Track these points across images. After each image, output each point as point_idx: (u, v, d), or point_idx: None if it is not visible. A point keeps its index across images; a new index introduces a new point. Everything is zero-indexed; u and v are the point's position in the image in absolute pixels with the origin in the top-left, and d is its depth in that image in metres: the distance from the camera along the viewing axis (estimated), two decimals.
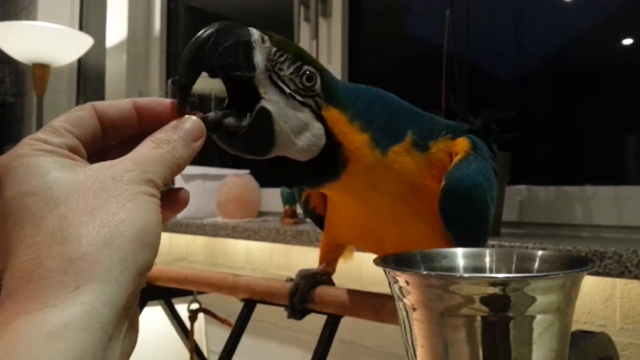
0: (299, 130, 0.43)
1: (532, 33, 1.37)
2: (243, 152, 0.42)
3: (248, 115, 0.41)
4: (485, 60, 1.44)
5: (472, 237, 0.54)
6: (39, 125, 2.15)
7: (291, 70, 0.43)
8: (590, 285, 0.95)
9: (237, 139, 0.41)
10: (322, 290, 0.64)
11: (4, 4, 3.30)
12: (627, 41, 1.23)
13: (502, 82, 1.47)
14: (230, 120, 0.40)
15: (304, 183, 0.50)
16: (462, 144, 0.53)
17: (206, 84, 2.03)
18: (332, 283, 0.67)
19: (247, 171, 1.70)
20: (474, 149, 0.53)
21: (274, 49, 0.42)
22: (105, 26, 2.59)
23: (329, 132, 0.45)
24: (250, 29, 0.41)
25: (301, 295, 0.63)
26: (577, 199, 1.16)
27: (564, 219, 1.17)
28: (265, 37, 0.42)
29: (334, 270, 0.68)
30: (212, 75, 0.40)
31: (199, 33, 0.39)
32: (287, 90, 0.43)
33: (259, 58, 0.41)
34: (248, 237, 1.38)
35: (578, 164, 1.28)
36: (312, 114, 0.44)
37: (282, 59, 0.42)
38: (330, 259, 0.68)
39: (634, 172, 1.21)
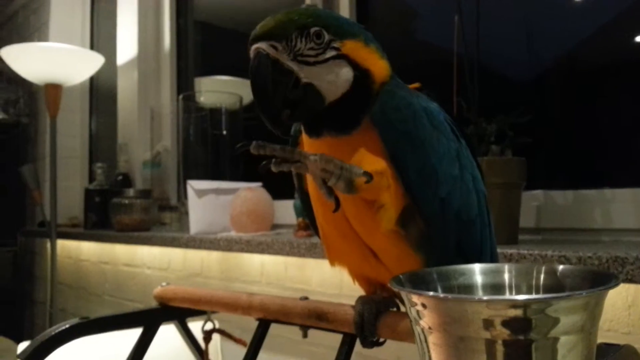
0: (333, 77, 0.52)
1: (543, 34, 1.35)
2: (307, 113, 0.53)
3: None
4: (496, 63, 1.42)
5: (419, 175, 0.53)
6: (53, 145, 2.17)
7: (303, 42, 0.51)
8: (612, 292, 0.92)
9: (300, 108, 0.51)
10: (387, 319, 0.59)
11: (17, 26, 3.36)
12: (639, 38, 1.21)
13: (515, 85, 1.45)
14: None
15: (341, 121, 0.54)
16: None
17: (216, 99, 2.04)
18: (397, 305, 0.63)
19: (260, 184, 1.70)
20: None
21: (286, 45, 0.51)
22: (115, 44, 2.61)
23: (353, 64, 0.53)
24: (268, 55, 0.50)
25: (369, 325, 0.59)
26: (596, 203, 1.13)
27: (582, 223, 1.15)
28: (277, 45, 0.50)
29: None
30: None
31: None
32: (312, 60, 0.51)
33: (288, 64, 0.51)
34: (262, 251, 1.37)
35: (595, 166, 1.26)
36: (336, 58, 0.52)
37: (294, 42, 0.51)
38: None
39: None
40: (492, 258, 0.60)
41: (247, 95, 2.21)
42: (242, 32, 2.43)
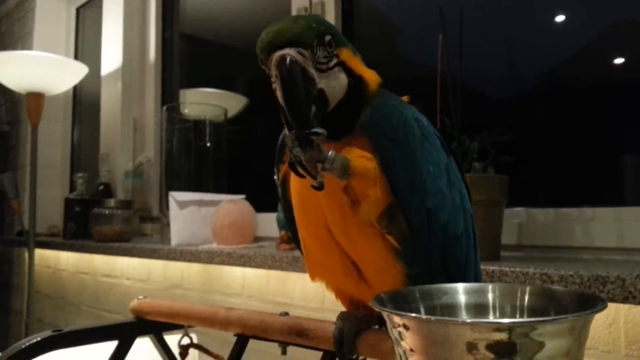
0: (336, 83, 0.53)
1: (525, 54, 1.37)
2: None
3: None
4: (479, 82, 1.43)
5: (406, 181, 0.53)
6: (34, 154, 2.13)
7: (321, 50, 0.52)
8: None
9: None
10: (369, 337, 0.57)
11: (0, 34, 3.31)
12: (619, 60, 1.23)
13: (497, 103, 1.46)
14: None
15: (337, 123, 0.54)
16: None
17: (200, 111, 2.02)
18: (379, 322, 0.61)
19: (243, 196, 1.68)
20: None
21: (311, 53, 0.51)
22: (100, 54, 2.59)
23: (348, 71, 0.54)
24: (297, 61, 0.50)
25: (348, 343, 0.58)
26: (577, 221, 1.14)
27: (563, 241, 1.15)
28: (304, 53, 0.50)
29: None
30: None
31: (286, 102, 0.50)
32: (324, 67, 0.52)
33: (311, 72, 0.51)
34: (244, 264, 1.35)
35: (576, 185, 1.27)
36: (337, 66, 0.53)
37: (315, 50, 0.51)
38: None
39: (633, 193, 1.19)
40: (476, 278, 0.59)
41: (231, 108, 2.20)
42: (226, 45, 2.43)
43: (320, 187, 0.49)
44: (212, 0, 2.49)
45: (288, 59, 0.49)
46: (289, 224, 0.63)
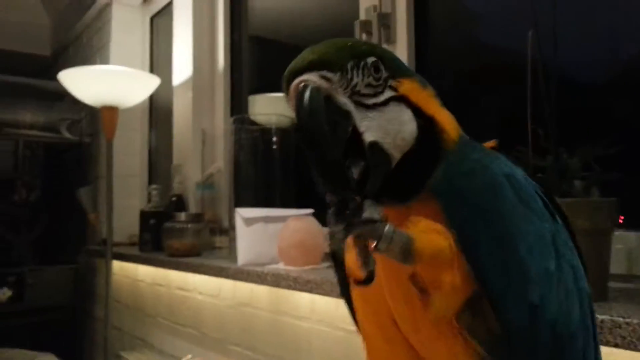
0: (398, 128, 0.39)
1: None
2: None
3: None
4: (576, 72, 1.24)
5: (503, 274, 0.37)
6: (109, 167, 2.17)
7: (360, 76, 0.39)
8: None
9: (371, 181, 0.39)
10: None
11: (82, 46, 3.45)
12: None
13: (601, 107, 1.26)
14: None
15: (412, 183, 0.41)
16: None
17: (268, 117, 1.95)
18: None
19: (310, 211, 1.59)
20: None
21: (341, 77, 0.39)
22: (171, 64, 2.60)
23: (414, 109, 0.40)
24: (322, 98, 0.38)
25: None
26: None
27: None
28: (330, 76, 0.38)
29: None
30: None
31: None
32: (370, 102, 0.39)
33: (344, 102, 0.39)
34: (310, 290, 1.26)
35: None
36: (394, 100, 0.40)
37: (349, 75, 0.39)
38: None
39: None
40: None
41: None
42: (296, 46, 2.34)
43: (369, 280, 0.36)
44: (282, 0, 2.41)
45: (301, 86, 0.38)
46: (346, 299, 0.51)
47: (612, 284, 0.93)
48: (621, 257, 1.03)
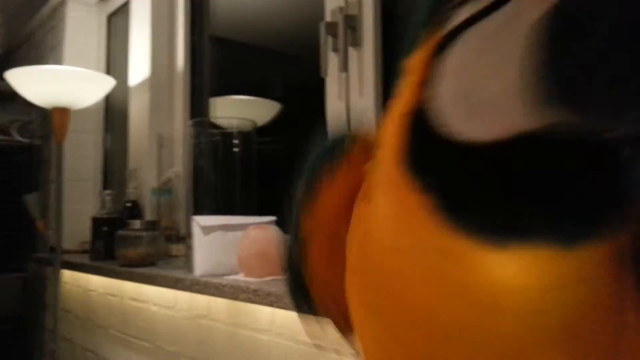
0: None
1: None
2: None
3: None
4: None
5: None
6: (59, 171, 2.06)
7: None
8: None
9: None
10: None
11: (31, 46, 3.30)
12: None
13: None
14: None
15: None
16: None
17: (229, 120, 1.89)
18: None
19: (272, 218, 1.53)
20: None
21: None
22: (127, 65, 2.50)
23: None
24: None
25: None
26: None
27: None
28: None
29: None
30: None
31: None
32: None
33: None
34: (271, 304, 1.20)
35: None
36: None
37: None
38: None
39: None
40: None
41: (263, 115, 2.06)
42: (258, 47, 2.28)
43: None
44: (244, 0, 2.35)
45: None
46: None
47: None
48: None
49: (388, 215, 0.28)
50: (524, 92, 0.20)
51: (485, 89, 0.21)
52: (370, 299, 0.31)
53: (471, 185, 0.23)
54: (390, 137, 0.27)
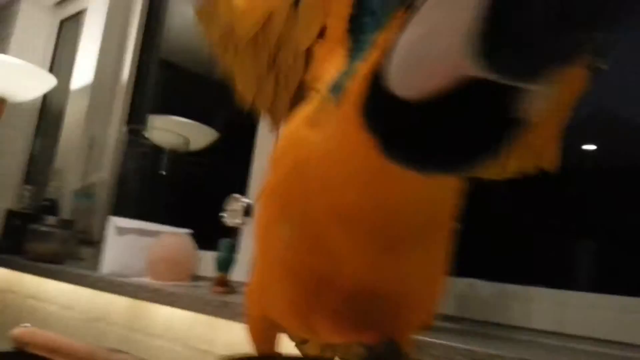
0: None
1: None
2: None
3: None
4: None
5: None
6: None
7: None
8: None
9: None
10: None
11: None
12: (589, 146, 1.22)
13: None
14: None
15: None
16: None
17: (161, 138, 1.96)
18: None
19: (189, 231, 1.60)
20: None
21: None
22: (72, 68, 2.54)
23: None
24: None
25: None
26: (518, 299, 1.09)
27: (504, 318, 1.10)
28: None
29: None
30: None
31: None
32: None
33: None
34: (171, 303, 1.26)
35: (524, 263, 1.23)
36: None
37: None
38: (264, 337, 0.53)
39: (581, 278, 1.15)
40: None
41: (199, 140, 2.15)
42: (204, 76, 2.40)
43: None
44: (195, 29, 2.48)
45: None
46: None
47: (444, 324, 1.05)
48: (456, 301, 1.16)
49: (335, 140, 0.39)
50: (454, 54, 0.27)
51: (420, 50, 0.29)
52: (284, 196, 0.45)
53: (400, 131, 0.33)
54: (355, 87, 0.38)
